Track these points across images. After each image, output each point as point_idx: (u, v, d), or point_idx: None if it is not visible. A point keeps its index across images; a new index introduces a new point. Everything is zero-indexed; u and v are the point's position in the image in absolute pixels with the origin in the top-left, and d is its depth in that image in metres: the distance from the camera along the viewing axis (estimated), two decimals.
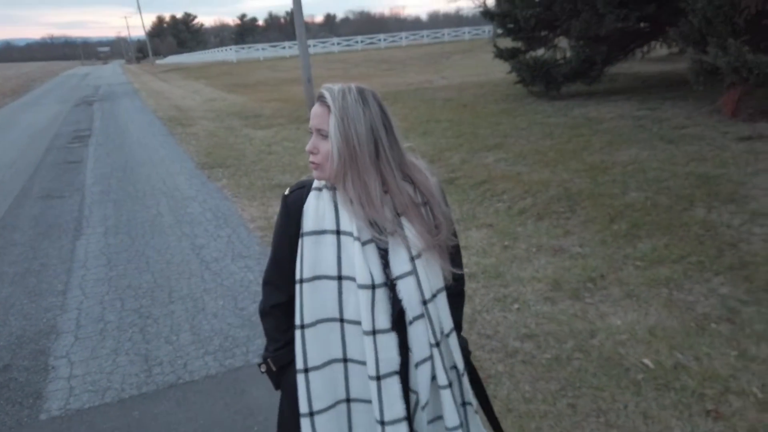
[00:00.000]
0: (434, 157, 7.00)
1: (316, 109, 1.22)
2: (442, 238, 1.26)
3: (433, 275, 1.26)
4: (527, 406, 2.40)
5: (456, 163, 6.66)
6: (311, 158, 1.23)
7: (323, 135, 1.20)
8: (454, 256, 1.33)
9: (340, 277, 1.22)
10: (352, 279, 1.21)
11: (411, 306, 1.24)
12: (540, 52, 10.83)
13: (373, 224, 1.22)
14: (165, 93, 21.62)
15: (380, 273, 1.21)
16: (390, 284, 1.23)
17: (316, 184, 1.28)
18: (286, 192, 1.33)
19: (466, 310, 3.25)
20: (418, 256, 1.23)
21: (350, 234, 1.21)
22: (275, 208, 5.39)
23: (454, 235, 1.34)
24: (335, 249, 1.22)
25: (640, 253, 3.88)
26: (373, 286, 1.20)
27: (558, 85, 10.28)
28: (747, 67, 6.35)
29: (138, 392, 2.67)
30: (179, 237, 4.82)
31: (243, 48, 45.73)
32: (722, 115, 7.33)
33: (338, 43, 43.91)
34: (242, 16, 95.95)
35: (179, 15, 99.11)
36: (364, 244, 1.20)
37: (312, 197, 1.27)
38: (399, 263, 1.22)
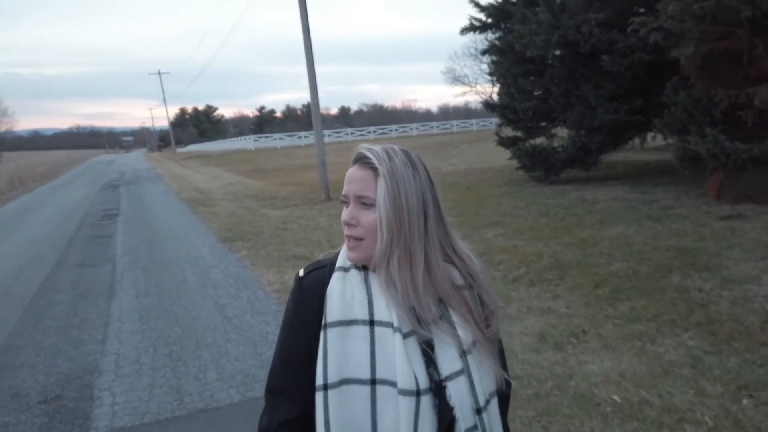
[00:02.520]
0: None
1: (356, 172, 1.02)
2: (493, 330, 1.06)
3: (485, 376, 1.02)
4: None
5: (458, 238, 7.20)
6: (349, 231, 1.01)
7: (366, 204, 1.00)
8: (500, 352, 1.12)
9: (373, 381, 0.97)
10: (390, 383, 0.96)
11: (464, 415, 0.97)
12: (539, 140, 11.66)
13: (411, 314, 0.99)
14: (187, 177, 22.79)
15: (425, 375, 0.97)
16: (435, 389, 0.98)
17: (340, 262, 1.06)
18: (301, 273, 1.09)
19: None
20: (469, 351, 1.00)
21: (388, 324, 0.97)
22: (291, 274, 5.89)
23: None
24: (368, 344, 0.97)
25: (619, 312, 4.30)
26: (418, 392, 0.95)
27: (556, 170, 11.00)
28: (725, 153, 6.98)
29: (172, 415, 3.11)
30: (203, 297, 5.32)
31: (261, 137, 48.05)
32: (708, 198, 7.90)
33: (352, 133, 46.11)
34: (261, 108, 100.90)
35: (201, 107, 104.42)
36: (405, 336, 0.97)
37: (336, 279, 1.03)
38: (447, 360, 0.98)
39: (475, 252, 1.13)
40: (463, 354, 1.00)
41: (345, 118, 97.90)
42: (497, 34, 12.00)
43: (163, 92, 68.37)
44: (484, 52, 12.87)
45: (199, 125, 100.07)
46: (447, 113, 75.04)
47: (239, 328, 4.45)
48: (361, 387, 0.97)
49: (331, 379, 0.97)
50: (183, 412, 3.13)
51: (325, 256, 1.13)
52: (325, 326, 1.00)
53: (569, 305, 4.59)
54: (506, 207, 8.95)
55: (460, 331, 1.01)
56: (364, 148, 1.03)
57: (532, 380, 3.33)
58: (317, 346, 1.00)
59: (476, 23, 12.06)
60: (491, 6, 11.68)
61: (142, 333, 4.51)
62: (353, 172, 1.03)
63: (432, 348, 0.99)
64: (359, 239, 1.01)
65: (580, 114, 10.07)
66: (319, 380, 0.98)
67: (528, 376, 3.39)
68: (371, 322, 0.99)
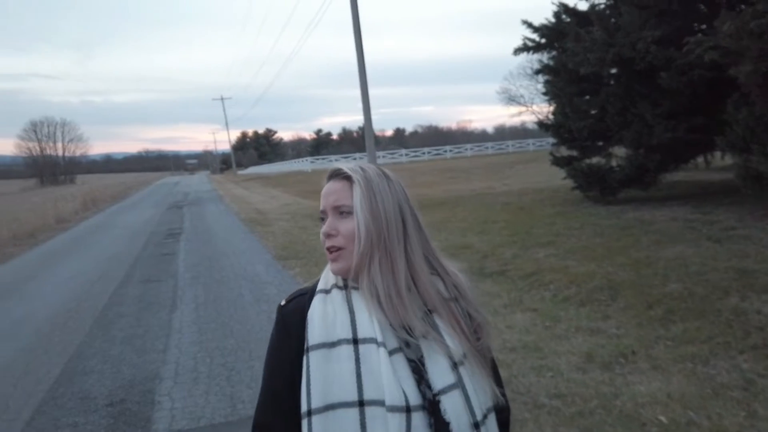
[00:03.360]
0: (488, 252, 7.56)
1: (332, 185, 1.05)
2: (483, 344, 1.05)
3: (480, 390, 0.99)
4: None
5: (508, 258, 7.17)
6: (329, 242, 1.02)
7: (344, 213, 1.01)
8: (494, 370, 1.11)
9: (361, 403, 0.92)
10: (379, 403, 0.92)
11: (461, 431, 0.95)
12: (595, 159, 11.46)
13: (397, 328, 0.98)
14: (246, 198, 23.60)
15: (415, 391, 0.93)
16: (429, 406, 0.94)
17: (321, 285, 1.05)
18: (282, 302, 1.09)
19: (504, 373, 3.70)
20: (461, 362, 0.98)
21: (372, 340, 0.95)
22: None
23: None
24: (353, 364, 0.94)
25: (672, 334, 4.21)
26: (408, 408, 0.91)
27: (613, 190, 10.77)
28: None
29: (225, 420, 3.29)
30: (258, 312, 5.54)
31: (317, 159, 49.15)
32: None
33: (406, 154, 46.46)
34: (318, 131, 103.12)
35: (261, 130, 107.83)
36: (391, 353, 0.94)
37: (317, 302, 1.02)
38: (439, 373, 0.96)
39: (459, 267, 1.14)
40: (455, 366, 0.98)
41: (400, 139, 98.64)
42: (551, 54, 11.97)
43: (225, 117, 71.32)
44: (537, 72, 12.84)
45: (259, 148, 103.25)
46: (503, 133, 74.39)
47: None
48: (348, 410, 0.92)
49: (315, 404, 0.93)
50: (235, 418, 3.30)
51: (305, 286, 1.12)
52: (307, 350, 0.97)
53: (620, 326, 4.52)
54: (559, 227, 8.84)
55: (450, 342, 0.98)
56: (336, 165, 1.07)
57: (576, 398, 3.32)
58: (300, 375, 0.96)
59: (530, 43, 12.07)
60: (545, 26, 11.69)
61: (199, 344, 4.76)
62: (328, 186, 1.06)
63: (422, 364, 0.97)
64: (340, 249, 1.01)
65: (637, 132, 9.85)
66: (303, 407, 0.94)
67: (572, 394, 3.38)
68: (355, 341, 0.96)
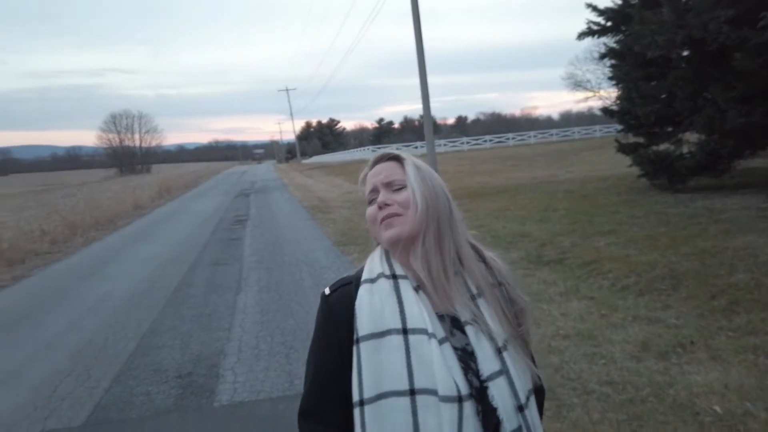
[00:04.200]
0: (546, 241, 7.47)
1: (382, 166, 1.09)
2: (525, 329, 1.07)
3: (522, 373, 1.01)
4: (593, 427, 2.82)
5: (567, 246, 7.07)
6: (385, 212, 1.03)
7: (397, 188, 1.04)
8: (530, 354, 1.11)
9: (412, 391, 0.93)
10: (431, 392, 0.93)
11: (507, 416, 0.96)
12: (664, 146, 11.01)
13: (445, 315, 1.00)
14: (309, 187, 24.14)
15: (463, 380, 0.95)
16: (476, 393, 0.96)
17: (366, 275, 1.05)
18: (327, 291, 1.09)
19: (555, 359, 3.72)
20: (504, 348, 1.00)
21: (422, 331, 0.95)
22: None
23: None
24: (404, 353, 0.95)
25: (734, 325, 4.07)
26: (460, 398, 0.93)
27: (682, 178, 10.33)
28: None
29: (283, 394, 3.50)
30: (316, 295, 5.66)
31: (379, 147, 49.41)
32: None
33: (467, 142, 45.97)
34: (380, 120, 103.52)
35: (324, 120, 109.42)
36: (440, 342, 0.96)
37: (364, 292, 1.01)
38: (486, 361, 0.97)
39: (497, 253, 1.14)
40: (499, 352, 0.99)
41: (462, 127, 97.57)
42: (617, 37, 11.55)
43: (290, 108, 72.83)
44: (602, 57, 12.42)
45: (322, 137, 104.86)
46: (569, 120, 72.11)
47: None
48: (399, 399, 0.93)
49: (367, 395, 0.94)
50: (292, 393, 3.49)
51: (349, 275, 1.11)
52: (357, 341, 0.97)
53: (679, 316, 4.41)
54: (622, 216, 8.59)
55: (494, 327, 1.00)
56: (380, 151, 1.13)
57: (628, 386, 3.30)
58: (349, 364, 0.97)
59: (594, 27, 11.68)
60: (610, 9, 11.28)
61: (261, 324, 5.02)
62: (378, 167, 1.09)
63: (469, 353, 0.98)
64: (396, 215, 1.02)
65: (708, 117, 9.39)
66: (355, 396, 0.95)
67: (624, 381, 3.36)
68: (405, 331, 0.96)
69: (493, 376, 0.97)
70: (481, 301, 1.02)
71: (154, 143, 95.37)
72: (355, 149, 62.73)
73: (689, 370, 3.47)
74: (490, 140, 45.48)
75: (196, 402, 3.53)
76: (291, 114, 75.36)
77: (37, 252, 10.67)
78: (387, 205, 1.03)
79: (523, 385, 1.00)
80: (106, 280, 7.57)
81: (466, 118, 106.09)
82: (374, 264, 1.07)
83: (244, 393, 3.60)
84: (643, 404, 3.06)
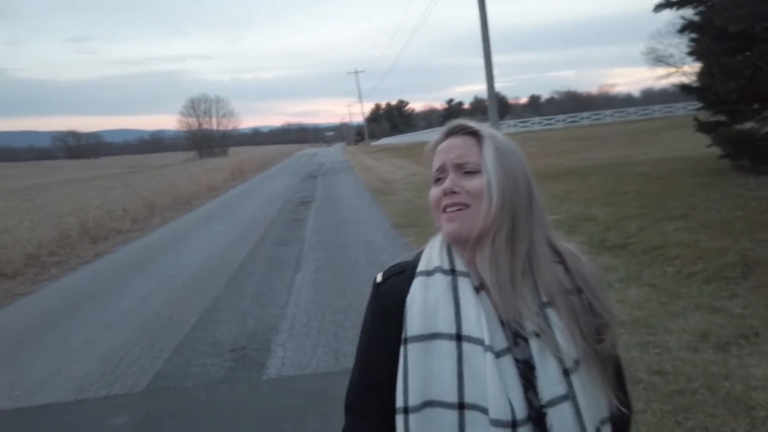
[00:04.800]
0: (611, 225, 7.20)
1: (452, 141, 0.93)
2: (606, 346, 0.89)
3: (594, 400, 0.86)
4: (635, 417, 2.73)
5: (632, 231, 6.78)
6: (451, 200, 0.89)
7: (469, 172, 0.89)
8: (617, 373, 0.94)
9: (461, 405, 0.84)
10: (481, 409, 0.83)
11: None
12: (748, 125, 10.27)
13: (508, 323, 0.87)
14: (375, 169, 24.32)
15: (521, 401, 0.83)
16: (536, 417, 0.83)
17: (422, 266, 0.93)
18: (378, 278, 0.99)
19: None
20: (573, 369, 0.85)
21: (479, 342, 0.84)
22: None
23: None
24: (455, 362, 0.85)
25: None
26: (514, 423, 0.81)
27: (767, 159, 9.61)
28: None
29: (328, 371, 3.61)
30: (370, 276, 5.79)
31: None
32: None
33: (539, 122, 44.65)
34: (449, 101, 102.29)
35: (394, 102, 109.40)
36: (498, 355, 0.84)
37: (418, 286, 0.90)
38: (549, 382, 0.84)
39: (584, 253, 0.97)
40: (566, 374, 0.84)
41: (535, 106, 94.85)
42: (697, 9, 10.79)
43: (359, 90, 73.20)
44: (681, 30, 11.65)
45: (391, 119, 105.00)
46: (651, 98, 68.24)
47: None
48: (447, 411, 0.84)
49: (412, 402, 0.85)
50: (337, 369, 3.60)
51: (405, 259, 1.00)
52: (405, 341, 0.88)
53: (746, 305, 4.15)
54: (697, 199, 8.12)
55: (564, 344, 0.85)
56: (458, 120, 0.95)
57: (680, 377, 3.16)
58: (397, 362, 0.88)
59: None
60: None
61: (315, 302, 5.17)
62: (447, 142, 0.93)
63: (532, 367, 0.85)
64: (464, 206, 0.87)
65: None
66: (399, 402, 0.87)
67: (676, 372, 3.22)
68: (459, 337, 0.85)
69: (555, 401, 0.83)
70: (551, 311, 0.87)
71: (230, 127, 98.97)
72: (424, 131, 62.43)
73: (749, 362, 3.28)
74: (564, 120, 43.96)
75: (247, 374, 3.71)
76: (359, 96, 75.83)
77: (119, 230, 11.41)
78: (454, 192, 0.89)
79: (594, 415, 0.85)
80: (177, 257, 8.00)
81: (539, 98, 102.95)
82: (433, 254, 0.95)
83: (292, 368, 3.75)
84: (692, 396, 2.93)
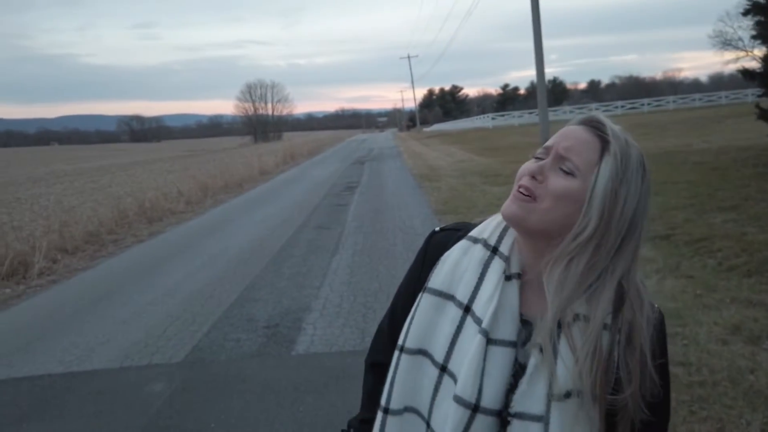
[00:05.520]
0: (656, 215, 7.01)
1: (579, 132, 0.84)
2: (620, 399, 0.78)
3: None
4: None
5: (678, 221, 6.60)
6: (529, 183, 0.83)
7: (565, 170, 0.82)
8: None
9: (444, 369, 0.86)
10: (456, 380, 0.84)
11: None
12: None
13: (525, 322, 0.85)
14: (423, 155, 24.30)
15: (496, 393, 0.81)
16: (503, 418, 0.82)
17: (475, 232, 0.93)
18: (437, 229, 1.03)
19: None
20: (561, 399, 0.78)
21: (478, 321, 0.84)
22: None
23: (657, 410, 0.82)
24: (454, 328, 0.86)
25: None
26: (476, 407, 0.81)
27: None
28: None
29: (353, 349, 3.76)
30: (405, 261, 5.95)
31: (498, 115, 48.19)
32: None
33: (596, 109, 43.18)
34: (504, 86, 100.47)
35: (447, 87, 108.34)
36: (496, 343, 0.82)
37: (458, 247, 0.92)
38: (529, 395, 0.80)
39: (655, 305, 0.86)
40: (550, 398, 0.78)
41: (594, 92, 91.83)
42: None
43: (411, 76, 72.81)
44: (745, 13, 11.09)
45: (444, 105, 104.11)
46: (719, 83, 64.86)
47: None
48: (431, 367, 0.87)
49: (409, 343, 0.89)
50: (361, 348, 3.72)
51: (468, 222, 1.02)
52: (425, 289, 0.91)
53: None
54: (751, 190, 7.79)
55: (561, 369, 0.78)
56: (602, 116, 0.86)
57: (704, 368, 3.12)
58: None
59: None
60: None
61: (348, 284, 5.32)
62: (573, 130, 0.85)
63: (523, 371, 0.82)
64: (533, 198, 0.82)
65: None
66: (399, 340, 0.91)
67: (701, 363, 3.18)
68: (467, 309, 0.86)
69: (524, 416, 0.79)
70: (575, 329, 0.79)
71: (285, 112, 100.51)
72: (476, 117, 61.66)
73: None
74: (622, 106, 42.46)
75: (277, 350, 3.90)
76: (412, 82, 75.44)
77: (173, 211, 11.92)
78: (535, 179, 0.83)
79: None
80: (224, 238, 8.33)
81: (599, 83, 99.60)
82: (489, 226, 0.94)
83: (320, 345, 3.91)
84: (713, 388, 2.90)
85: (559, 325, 0.80)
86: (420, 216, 8.75)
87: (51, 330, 4.72)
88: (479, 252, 0.89)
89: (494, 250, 0.89)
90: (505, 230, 0.91)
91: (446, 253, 0.92)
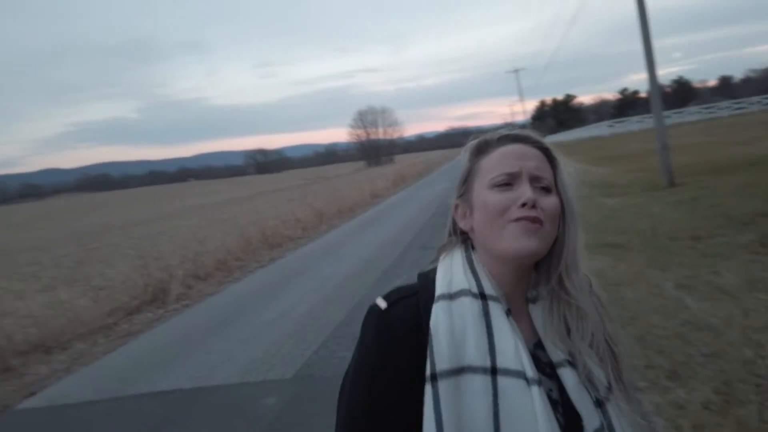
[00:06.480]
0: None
1: (528, 150, 0.86)
2: (624, 374, 0.85)
3: (627, 428, 0.81)
4: (762, 426, 2.54)
5: None
6: (531, 213, 0.80)
7: (542, 186, 0.83)
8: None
9: None
10: None
11: None
12: None
13: (536, 347, 0.83)
14: None
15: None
16: None
17: (442, 288, 0.82)
18: (382, 304, 0.85)
19: (749, 352, 3.33)
20: (607, 398, 0.80)
21: (518, 374, 0.76)
22: (596, 262, 5.96)
23: None
24: (489, 400, 0.74)
25: None
26: None
27: None
28: None
29: None
30: None
31: (618, 121, 45.74)
32: None
33: (728, 107, 39.68)
34: (623, 90, 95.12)
35: (560, 97, 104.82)
36: (534, 383, 0.76)
37: (441, 311, 0.79)
38: (588, 415, 0.78)
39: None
40: (599, 404, 0.79)
41: (726, 89, 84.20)
42: None
43: (519, 88, 71.51)
44: None
45: (557, 115, 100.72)
46: None
47: None
48: None
49: None
50: None
51: (403, 284, 0.90)
52: (434, 377, 0.75)
53: None
54: None
55: (595, 370, 0.80)
56: (526, 130, 0.91)
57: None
58: (411, 401, 0.76)
59: None
60: None
61: None
62: (519, 149, 0.86)
63: (554, 401, 0.78)
64: (541, 223, 0.80)
65: None
66: None
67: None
68: (493, 371, 0.75)
69: None
70: (576, 336, 0.82)
71: (395, 135, 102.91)
72: (592, 125, 59.02)
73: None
74: (759, 102, 38.53)
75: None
76: (520, 95, 74.07)
77: (292, 237, 12.69)
78: (534, 207, 0.80)
79: None
80: (335, 261, 8.75)
81: (730, 78, 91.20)
82: (455, 274, 0.84)
83: None
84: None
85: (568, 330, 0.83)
86: None
87: (183, 349, 5.27)
88: (469, 306, 0.79)
89: (483, 296, 0.80)
90: (474, 272, 0.84)
91: (433, 325, 0.78)
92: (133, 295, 7.57)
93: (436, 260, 0.93)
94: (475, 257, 0.87)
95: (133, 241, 15.93)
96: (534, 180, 0.83)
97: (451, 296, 0.80)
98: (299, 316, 5.77)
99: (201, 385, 4.26)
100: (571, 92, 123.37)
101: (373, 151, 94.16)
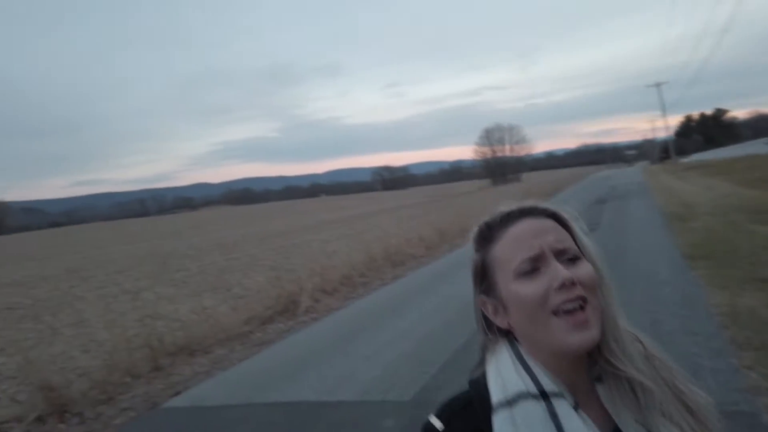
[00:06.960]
0: None
1: (538, 224, 0.80)
2: (708, 424, 0.78)
3: None
4: None
5: None
6: (572, 293, 0.73)
7: (569, 257, 0.76)
8: None
9: None
10: None
11: None
12: None
13: None
14: (676, 190, 21.93)
15: None
16: None
17: (498, 395, 0.75)
18: (437, 424, 0.81)
19: None
20: None
21: None
22: (746, 298, 5.37)
23: None
24: None
25: None
26: None
27: None
28: None
29: None
30: (642, 312, 5.49)
31: None
32: None
33: None
34: None
35: (709, 111, 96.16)
36: None
37: (503, 424, 0.72)
38: None
39: None
40: None
41: None
42: None
43: (662, 103, 66.65)
44: None
45: (705, 132, 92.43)
46: None
47: (665, 344, 4.50)
48: None
49: None
50: None
51: (460, 393, 0.86)
52: None
53: None
54: None
55: None
56: (528, 202, 0.86)
57: None
58: None
59: None
60: None
61: None
62: (532, 223, 0.80)
63: None
64: (584, 301, 0.73)
65: None
66: None
67: None
68: None
69: None
70: (648, 410, 0.74)
71: (523, 152, 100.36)
72: (749, 142, 53.40)
73: None
74: None
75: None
76: (663, 109, 68.70)
77: (414, 255, 12.84)
78: (571, 286, 0.73)
79: None
80: (456, 282, 8.68)
81: None
82: (506, 374, 0.77)
83: None
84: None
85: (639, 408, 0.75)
86: (666, 260, 7.95)
87: (310, 362, 5.53)
88: (533, 410, 0.71)
89: (544, 395, 0.72)
90: (527, 368, 0.76)
91: None
92: (267, 305, 8.09)
93: (482, 363, 0.85)
94: (523, 351, 0.78)
95: (269, 252, 17.07)
96: (559, 254, 0.76)
97: (509, 402, 0.73)
98: (419, 337, 5.82)
99: (323, 399, 4.44)
100: (722, 106, 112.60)
101: (499, 169, 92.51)
